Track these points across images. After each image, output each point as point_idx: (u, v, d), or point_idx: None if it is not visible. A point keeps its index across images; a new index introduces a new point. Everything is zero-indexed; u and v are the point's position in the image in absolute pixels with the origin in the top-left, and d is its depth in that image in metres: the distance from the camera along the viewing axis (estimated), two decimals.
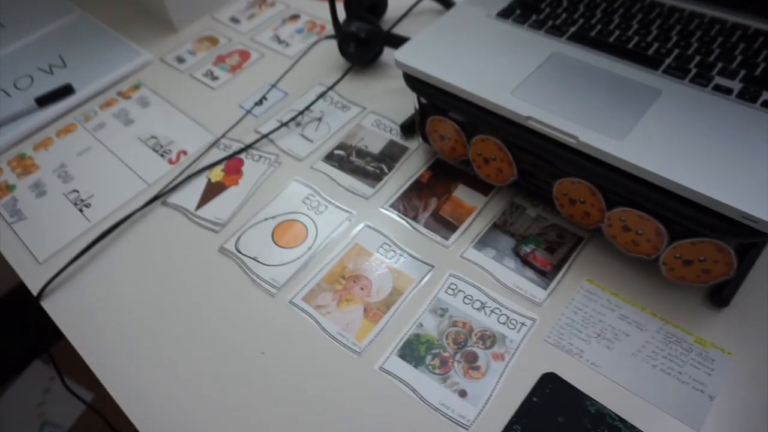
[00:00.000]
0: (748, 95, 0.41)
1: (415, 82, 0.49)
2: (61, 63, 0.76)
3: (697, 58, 0.45)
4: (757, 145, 0.38)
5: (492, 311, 0.44)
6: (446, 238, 0.50)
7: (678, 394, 0.39)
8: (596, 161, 0.40)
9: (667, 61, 0.45)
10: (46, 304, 0.51)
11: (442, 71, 0.46)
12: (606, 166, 0.40)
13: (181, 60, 0.74)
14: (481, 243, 0.49)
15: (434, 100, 0.49)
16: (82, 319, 0.49)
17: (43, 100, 0.70)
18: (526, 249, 0.48)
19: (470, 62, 0.47)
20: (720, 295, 0.42)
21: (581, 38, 0.48)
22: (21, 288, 1.27)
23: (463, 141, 0.50)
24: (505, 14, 0.52)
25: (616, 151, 0.39)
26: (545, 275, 0.46)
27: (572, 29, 0.49)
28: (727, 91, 0.42)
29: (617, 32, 0.48)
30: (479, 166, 0.50)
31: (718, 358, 0.40)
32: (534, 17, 0.51)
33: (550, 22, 0.50)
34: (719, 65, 0.44)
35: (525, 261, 0.47)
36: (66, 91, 0.71)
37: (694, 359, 0.40)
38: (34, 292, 0.52)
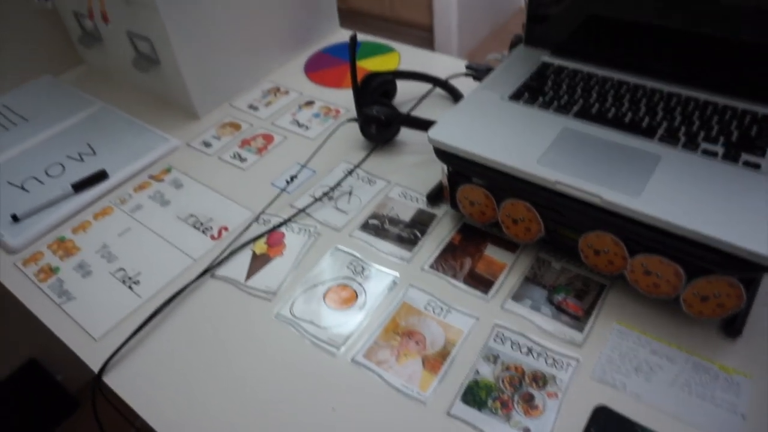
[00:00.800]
0: (730, 157, 0.50)
1: (446, 155, 0.57)
2: (91, 151, 0.81)
3: (683, 129, 0.54)
4: (749, 196, 0.46)
5: (539, 354, 0.50)
6: (485, 293, 0.55)
7: (715, 415, 0.44)
8: (618, 215, 0.48)
9: (660, 131, 0.54)
10: (108, 380, 0.53)
11: (473, 146, 0.54)
12: (627, 219, 0.47)
13: (207, 144, 0.80)
14: (518, 295, 0.55)
15: (465, 171, 0.57)
16: (146, 393, 0.51)
17: (80, 186, 0.74)
18: (559, 298, 0.54)
19: (495, 137, 0.55)
20: (733, 326, 0.49)
21: (585, 115, 0.57)
22: (32, 364, 1.23)
23: (493, 205, 0.57)
24: (515, 97, 0.61)
25: (636, 206, 0.46)
26: (579, 320, 0.52)
27: (575, 108, 0.58)
28: (714, 155, 0.51)
29: (613, 110, 0.57)
30: (508, 227, 0.57)
31: (742, 381, 0.46)
32: (541, 99, 0.60)
33: (556, 103, 0.59)
34: (702, 134, 0.53)
35: (559, 308, 0.53)
36: (101, 176, 0.75)
37: (722, 384, 0.46)
38: (95, 369, 0.54)
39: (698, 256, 0.45)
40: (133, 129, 0.84)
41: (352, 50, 0.68)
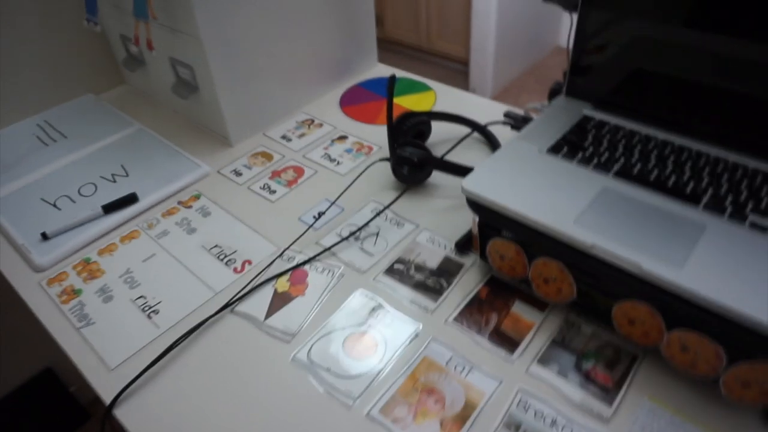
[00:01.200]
0: None
1: (478, 207, 0.55)
2: (124, 172, 0.82)
3: (730, 197, 0.51)
4: None
5: (563, 427, 0.47)
6: (510, 353, 0.53)
7: None
8: (657, 287, 0.45)
9: (705, 199, 0.51)
10: (119, 413, 0.52)
11: (508, 200, 0.52)
12: (667, 292, 0.45)
13: (238, 173, 0.80)
14: (544, 359, 0.52)
15: (497, 224, 0.55)
16: (155, 430, 0.50)
17: (110, 208, 0.74)
18: (587, 366, 0.51)
19: (531, 192, 0.54)
20: None
21: (626, 175, 0.55)
22: (47, 372, 1.24)
23: (524, 262, 0.55)
24: (554, 150, 0.59)
25: (678, 279, 0.44)
26: (608, 391, 0.49)
27: (616, 167, 0.56)
28: (763, 229, 0.48)
29: (656, 171, 0.55)
30: (538, 286, 0.55)
31: None
32: (580, 154, 0.58)
33: (596, 160, 0.57)
34: (750, 204, 0.51)
35: (587, 377, 0.51)
36: (131, 199, 0.75)
37: None
38: (106, 400, 0.53)
39: (742, 339, 0.42)
40: (166, 153, 0.85)
41: (390, 91, 0.68)
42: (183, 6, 0.72)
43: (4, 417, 1.23)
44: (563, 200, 0.52)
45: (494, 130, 0.79)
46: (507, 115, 0.73)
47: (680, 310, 0.45)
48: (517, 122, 0.69)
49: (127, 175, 0.81)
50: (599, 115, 0.64)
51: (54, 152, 0.88)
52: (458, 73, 2.78)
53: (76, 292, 0.65)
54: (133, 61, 0.96)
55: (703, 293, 0.42)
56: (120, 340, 0.59)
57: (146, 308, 0.62)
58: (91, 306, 0.63)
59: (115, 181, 0.80)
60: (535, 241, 0.52)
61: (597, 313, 0.53)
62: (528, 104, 0.73)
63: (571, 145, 0.59)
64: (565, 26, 2.86)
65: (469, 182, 0.56)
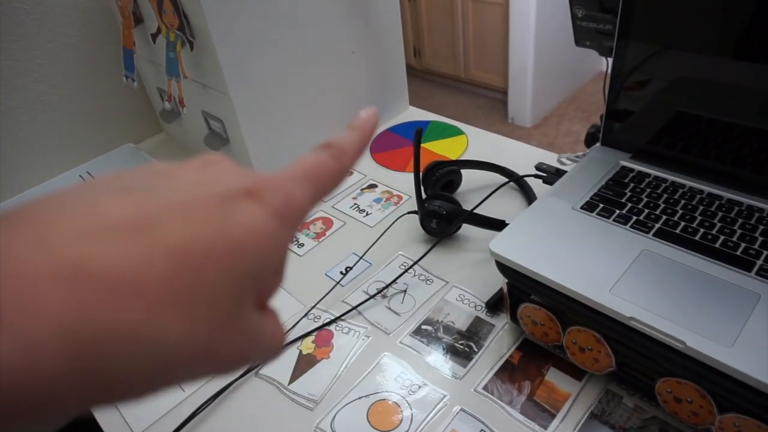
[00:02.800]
0: None
1: (508, 270, 0.52)
2: None
3: None
4: None
5: None
6: (544, 428, 0.50)
7: None
8: (706, 366, 0.41)
9: (759, 263, 0.47)
10: None
11: (538, 265, 0.49)
12: (716, 372, 0.41)
13: None
14: None
15: (528, 290, 0.52)
16: None
17: None
18: None
19: (563, 256, 0.50)
20: None
21: (668, 235, 0.51)
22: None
23: (558, 329, 0.51)
24: (589, 208, 0.56)
25: (728, 360, 0.40)
26: None
27: (657, 226, 0.52)
28: None
29: (701, 230, 0.51)
30: (573, 354, 0.51)
31: None
32: (617, 212, 0.55)
33: (634, 218, 0.53)
34: None
35: None
36: None
37: None
38: None
39: None
40: None
41: (416, 144, 0.67)
42: (212, 65, 0.74)
43: None
44: (598, 265, 0.49)
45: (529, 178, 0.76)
46: (539, 168, 0.70)
47: (734, 392, 0.40)
48: (549, 176, 0.67)
49: None
50: (638, 166, 0.60)
51: None
52: (497, 102, 2.76)
53: None
54: (169, 113, 0.99)
55: (756, 376, 0.38)
56: (146, 404, 0.58)
57: None
58: None
59: None
60: (567, 308, 0.49)
61: (639, 386, 0.49)
62: (560, 156, 0.70)
63: (607, 202, 0.56)
64: None
65: (497, 244, 0.53)
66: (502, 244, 0.53)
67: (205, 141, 0.89)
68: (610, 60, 0.68)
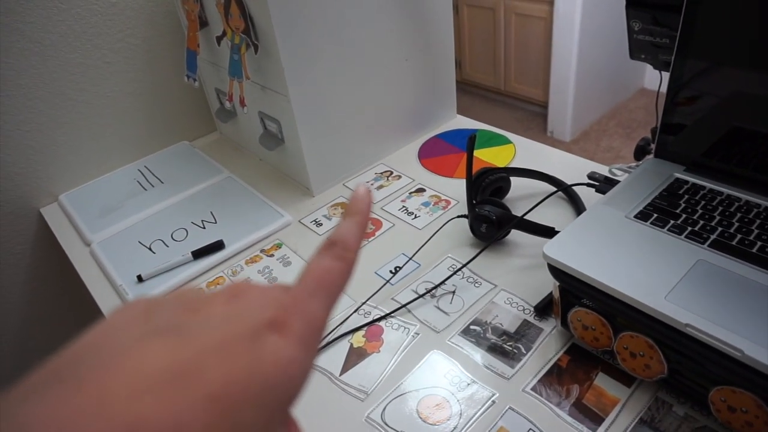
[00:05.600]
0: None
1: (561, 274, 0.54)
2: (212, 219, 0.87)
3: None
4: None
5: None
6: (593, 430, 0.50)
7: None
8: (762, 374, 0.42)
9: None
10: None
11: (593, 270, 0.51)
12: None
13: (318, 224, 0.83)
14: None
15: (580, 294, 0.53)
16: None
17: (199, 254, 0.78)
18: None
19: (617, 262, 0.51)
20: None
21: (724, 246, 0.51)
22: None
23: (609, 334, 0.52)
24: (642, 217, 0.57)
25: None
26: None
27: (713, 237, 0.53)
28: None
29: (759, 243, 0.51)
30: (624, 359, 0.52)
31: None
32: (671, 222, 0.55)
33: (689, 229, 0.54)
34: None
35: None
36: (218, 246, 0.79)
37: None
38: None
39: None
40: (252, 201, 0.89)
41: (470, 150, 0.68)
42: (274, 68, 0.77)
43: None
44: (653, 272, 0.50)
45: (577, 189, 0.77)
46: (591, 177, 0.71)
47: None
48: (602, 186, 0.67)
49: (216, 222, 0.86)
50: (693, 179, 0.61)
51: (151, 197, 0.94)
52: (536, 116, 2.75)
53: None
54: (225, 113, 1.03)
55: None
56: None
57: None
58: None
59: (204, 228, 0.85)
60: (621, 313, 0.50)
61: (691, 394, 0.49)
62: (612, 166, 0.71)
63: (661, 212, 0.57)
64: (651, 69, 2.78)
65: (551, 248, 0.54)
66: (555, 248, 0.54)
67: (260, 141, 0.92)
68: (665, 74, 0.69)
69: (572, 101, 2.46)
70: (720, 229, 0.54)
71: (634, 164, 0.68)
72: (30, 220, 1.00)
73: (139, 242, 0.84)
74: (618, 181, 0.65)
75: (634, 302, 0.48)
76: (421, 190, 0.86)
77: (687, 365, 0.48)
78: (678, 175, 0.62)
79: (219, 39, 0.87)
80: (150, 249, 0.82)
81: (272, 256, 0.78)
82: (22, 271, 1.03)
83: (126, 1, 0.95)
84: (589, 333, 0.54)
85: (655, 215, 0.56)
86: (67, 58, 0.93)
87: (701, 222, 0.55)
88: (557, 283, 0.55)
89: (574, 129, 2.56)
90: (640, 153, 0.75)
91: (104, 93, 0.99)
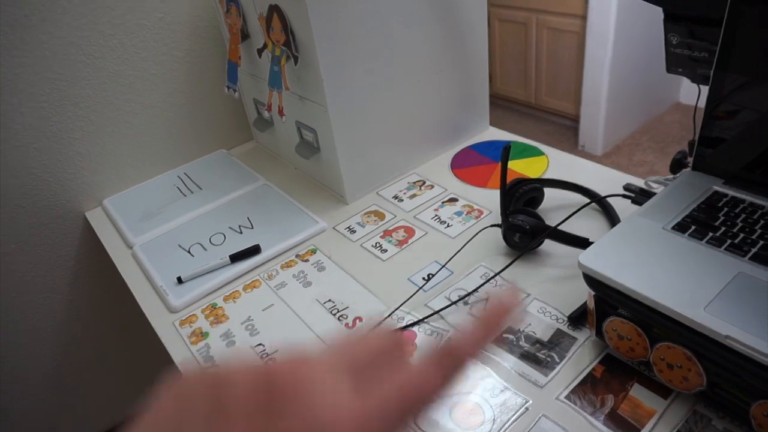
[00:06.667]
0: None
1: (597, 284, 0.54)
2: (249, 224, 0.89)
3: None
4: None
5: None
6: None
7: None
8: None
9: None
10: None
11: (631, 280, 0.51)
12: None
13: (352, 230, 0.84)
14: None
15: (616, 304, 0.53)
16: None
17: (236, 257, 0.81)
18: None
19: (654, 272, 0.51)
20: None
21: (765, 260, 0.51)
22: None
23: (645, 344, 0.52)
24: (680, 228, 0.56)
25: None
26: None
27: (754, 250, 0.52)
28: None
29: None
30: (661, 371, 0.52)
31: None
32: (710, 234, 0.55)
33: (729, 241, 0.54)
34: None
35: None
36: (255, 251, 0.82)
37: None
38: None
39: None
40: (287, 208, 0.92)
41: (504, 160, 0.69)
42: (313, 79, 0.79)
43: None
44: (692, 283, 0.49)
45: (611, 201, 0.77)
46: (627, 188, 0.71)
47: None
48: (638, 197, 0.67)
49: (252, 228, 0.88)
50: (732, 192, 0.60)
51: (191, 203, 0.98)
52: (567, 129, 2.73)
53: (204, 335, 0.71)
54: (263, 122, 1.06)
55: None
56: None
57: (264, 356, 0.66)
58: (216, 348, 0.68)
59: (241, 233, 0.87)
60: (658, 324, 0.49)
61: (731, 408, 0.49)
62: (649, 178, 0.70)
63: (700, 224, 0.56)
64: (687, 83, 2.73)
65: (587, 257, 0.54)
66: (591, 257, 0.54)
67: (296, 149, 0.95)
68: (702, 87, 0.69)
69: (604, 115, 2.43)
70: (762, 242, 0.53)
71: (670, 177, 0.68)
72: (76, 223, 1.04)
73: (179, 245, 0.87)
74: (654, 193, 0.64)
75: (672, 313, 0.47)
76: (453, 200, 0.87)
77: (726, 378, 0.47)
78: (717, 188, 0.62)
79: (260, 51, 0.90)
80: (189, 252, 0.85)
81: (307, 261, 0.80)
82: (69, 271, 1.08)
83: (173, 15, 0.99)
84: (625, 343, 0.54)
85: (694, 227, 0.56)
86: (116, 70, 0.97)
87: (741, 235, 0.54)
88: (592, 293, 0.55)
89: (605, 143, 2.53)
90: (676, 166, 0.75)
91: (148, 103, 1.03)
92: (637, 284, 0.50)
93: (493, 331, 0.24)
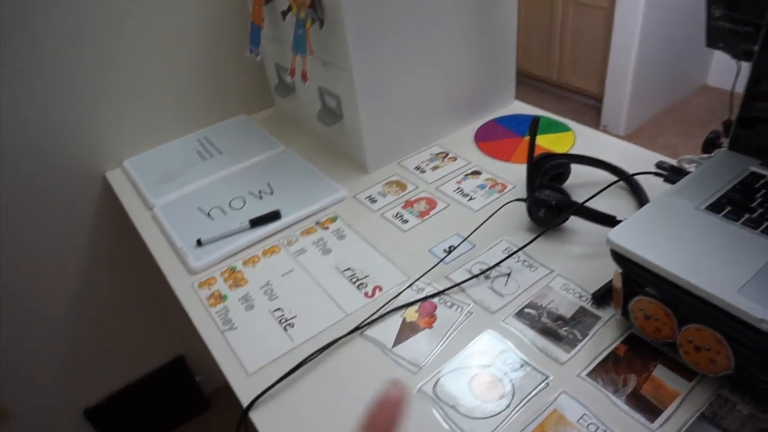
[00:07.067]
0: None
1: (626, 262, 0.53)
2: (269, 190, 0.88)
3: None
4: None
5: None
6: (650, 421, 0.50)
7: None
8: None
9: None
10: (252, 415, 0.56)
11: (662, 259, 0.49)
12: None
13: (372, 200, 0.83)
14: None
15: (644, 282, 0.52)
16: None
17: (256, 222, 0.80)
18: None
19: (687, 252, 0.50)
20: None
21: None
22: (179, 361, 1.37)
23: (673, 325, 0.51)
24: (714, 209, 0.55)
25: None
26: None
27: None
28: None
29: None
30: (687, 352, 0.51)
31: None
32: (747, 216, 0.53)
33: (766, 223, 0.52)
34: None
35: None
36: (275, 216, 0.81)
37: None
38: (244, 403, 0.57)
39: None
40: (308, 175, 0.91)
41: (533, 133, 0.67)
42: (339, 43, 0.78)
43: (139, 396, 1.36)
44: (725, 265, 0.48)
45: (640, 178, 0.75)
46: (660, 166, 0.69)
47: None
48: (671, 175, 0.65)
49: (272, 193, 0.88)
50: None
51: (210, 166, 0.97)
52: (588, 109, 2.68)
53: (223, 298, 0.71)
54: (284, 88, 1.05)
55: None
56: (258, 348, 0.63)
57: (283, 321, 0.66)
58: (235, 312, 0.68)
59: (261, 198, 0.87)
60: (689, 305, 0.48)
61: (758, 392, 0.48)
62: (682, 156, 0.68)
63: (735, 205, 0.55)
64: (716, 64, 2.66)
65: (616, 234, 0.53)
66: (621, 234, 0.53)
67: (318, 116, 0.93)
68: (744, 63, 0.66)
69: (629, 95, 2.38)
70: None
71: (705, 156, 0.66)
72: (96, 183, 1.04)
73: (198, 208, 0.86)
74: (687, 172, 0.63)
75: (705, 294, 0.46)
76: (476, 173, 0.86)
77: (756, 362, 0.46)
78: (754, 168, 0.60)
79: (284, 13, 0.88)
80: (208, 215, 0.85)
81: (327, 228, 0.79)
82: (86, 230, 1.08)
83: None
84: (651, 323, 0.53)
85: (729, 208, 0.54)
86: (138, 29, 0.96)
87: None
88: (620, 271, 0.54)
89: (628, 124, 2.48)
90: (709, 146, 0.73)
91: (170, 65, 1.02)
92: (668, 263, 0.49)
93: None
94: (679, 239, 0.52)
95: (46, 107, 0.93)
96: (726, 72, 2.61)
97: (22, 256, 1.03)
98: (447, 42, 0.87)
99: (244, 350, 0.63)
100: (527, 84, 2.94)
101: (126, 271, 1.19)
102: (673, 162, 0.72)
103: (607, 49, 2.38)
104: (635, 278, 0.53)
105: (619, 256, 0.53)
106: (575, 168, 0.80)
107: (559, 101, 2.79)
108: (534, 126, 0.68)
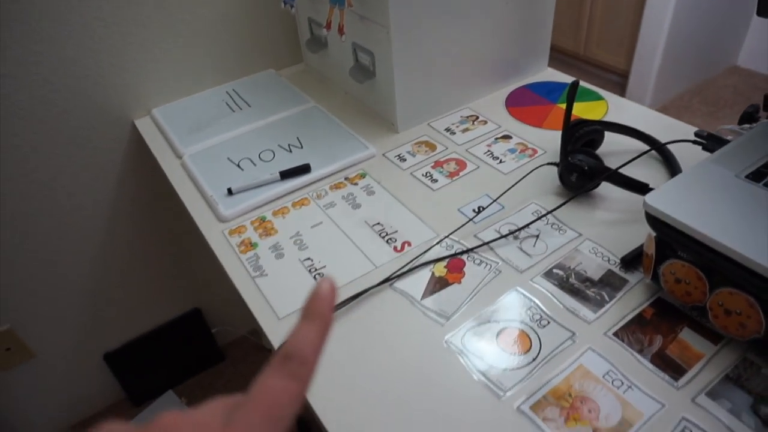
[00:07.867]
0: None
1: (662, 225, 0.53)
2: (299, 144, 0.89)
3: None
4: None
5: None
6: (675, 379, 0.51)
7: None
8: None
9: None
10: None
11: (699, 223, 0.50)
12: None
13: (402, 159, 0.84)
14: (714, 392, 0.49)
15: (678, 247, 0.52)
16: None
17: (286, 174, 0.81)
18: (767, 410, 0.47)
19: (725, 217, 0.50)
20: None
21: None
22: (195, 312, 1.40)
23: (704, 288, 0.52)
24: (755, 177, 0.55)
25: None
26: None
27: None
28: None
29: None
30: (716, 316, 0.52)
31: None
32: None
33: None
34: None
35: (766, 423, 0.47)
36: (305, 169, 0.82)
37: None
38: (275, 345, 0.59)
39: None
40: (337, 131, 0.91)
41: (570, 97, 0.67)
42: None
43: (156, 344, 1.40)
44: (764, 231, 0.48)
45: (673, 149, 0.75)
46: (698, 134, 0.68)
47: None
48: (710, 143, 0.65)
49: (302, 147, 0.88)
50: None
51: (239, 119, 0.97)
52: (613, 85, 2.64)
53: (253, 245, 0.72)
54: (316, 42, 1.04)
55: None
56: (288, 294, 0.64)
57: (312, 270, 0.67)
58: (265, 259, 0.70)
59: (290, 151, 0.87)
60: (724, 269, 0.49)
61: None
62: (721, 126, 0.68)
63: None
64: (748, 45, 2.59)
65: (653, 198, 0.53)
66: (658, 198, 0.53)
67: (350, 73, 0.93)
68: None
69: (656, 71, 2.33)
70: None
71: (746, 126, 0.66)
72: (124, 129, 1.05)
73: (228, 159, 0.87)
74: (727, 141, 0.62)
75: (741, 258, 0.47)
76: (507, 137, 0.86)
77: None
78: None
79: None
80: (238, 166, 0.85)
81: (356, 184, 0.80)
82: (113, 176, 1.10)
83: None
84: (682, 287, 0.54)
85: None
86: None
87: None
88: (653, 234, 0.55)
89: (653, 101, 2.44)
90: (746, 119, 0.72)
91: (201, 14, 1.01)
92: (706, 227, 0.49)
93: (324, 319, 0.23)
94: (717, 205, 0.52)
95: (78, 48, 0.93)
96: (758, 53, 2.55)
97: (51, 199, 1.05)
98: (487, 3, 0.86)
99: (274, 296, 0.64)
100: (551, 57, 2.89)
101: (149, 222, 1.21)
102: (692, 133, 0.72)
103: (638, 25, 2.33)
104: (669, 242, 0.53)
105: (654, 220, 0.54)
106: (607, 136, 0.80)
107: (582, 76, 2.73)
108: (572, 90, 0.68)
